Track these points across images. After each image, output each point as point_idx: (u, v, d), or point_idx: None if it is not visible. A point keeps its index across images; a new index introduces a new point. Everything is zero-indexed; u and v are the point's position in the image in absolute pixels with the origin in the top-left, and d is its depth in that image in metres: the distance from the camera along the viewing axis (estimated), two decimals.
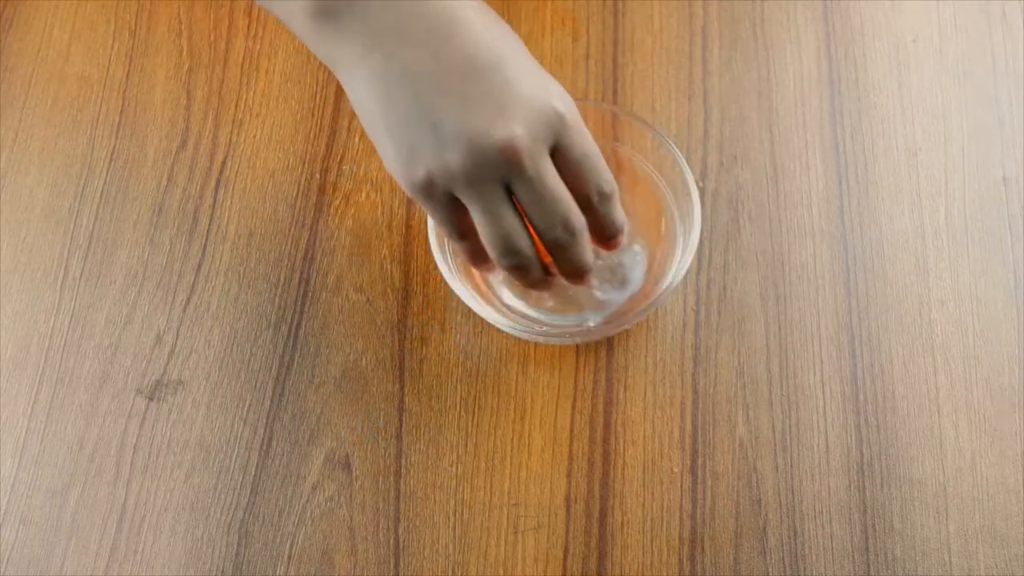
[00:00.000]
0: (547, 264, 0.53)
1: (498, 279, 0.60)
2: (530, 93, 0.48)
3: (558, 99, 0.48)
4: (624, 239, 0.54)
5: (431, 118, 0.47)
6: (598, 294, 0.59)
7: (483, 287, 0.60)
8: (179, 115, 0.67)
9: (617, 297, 0.59)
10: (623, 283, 0.59)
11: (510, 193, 0.49)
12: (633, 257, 0.60)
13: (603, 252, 0.58)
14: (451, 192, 0.48)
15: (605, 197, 0.51)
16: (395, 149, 0.48)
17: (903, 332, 0.60)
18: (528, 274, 0.52)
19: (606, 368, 0.60)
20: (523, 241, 0.50)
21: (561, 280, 0.54)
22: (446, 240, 0.59)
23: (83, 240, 0.64)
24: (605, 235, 0.53)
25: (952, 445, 0.58)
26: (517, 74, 0.48)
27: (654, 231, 0.61)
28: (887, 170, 0.64)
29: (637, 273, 0.60)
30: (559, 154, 0.49)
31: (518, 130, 0.47)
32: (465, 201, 0.48)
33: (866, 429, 0.58)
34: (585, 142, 0.49)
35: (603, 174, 0.50)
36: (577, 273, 0.52)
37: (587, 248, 0.51)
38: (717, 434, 0.59)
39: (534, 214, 0.49)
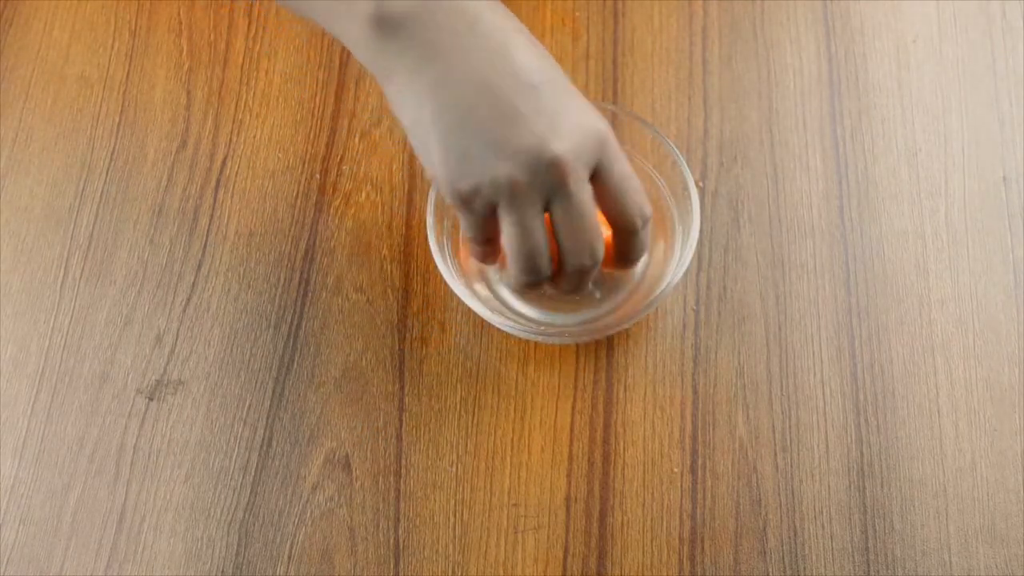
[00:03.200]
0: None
1: (495, 276, 0.60)
2: (577, 114, 0.49)
3: (602, 123, 0.50)
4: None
5: (485, 129, 0.48)
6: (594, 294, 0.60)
7: (482, 287, 0.60)
8: (179, 115, 0.67)
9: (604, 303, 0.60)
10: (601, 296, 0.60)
11: (544, 212, 0.50)
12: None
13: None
14: (492, 203, 0.49)
15: (646, 222, 0.52)
16: (445, 157, 0.48)
17: (903, 332, 0.60)
18: (534, 289, 0.53)
19: (606, 368, 0.60)
20: (545, 262, 0.51)
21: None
22: (447, 239, 0.59)
23: (83, 240, 0.64)
24: (629, 259, 0.54)
25: (952, 445, 0.58)
26: (566, 96, 0.49)
27: (654, 231, 0.61)
28: (887, 170, 0.64)
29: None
30: (600, 176, 0.50)
31: (568, 147, 0.48)
32: (503, 212, 0.49)
33: (866, 429, 0.58)
34: (625, 166, 0.51)
35: (644, 198, 0.52)
36: (573, 293, 0.53)
37: (594, 280, 0.53)
38: (717, 434, 0.59)
39: (566, 236, 0.50)
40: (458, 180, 0.48)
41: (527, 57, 0.49)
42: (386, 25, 0.48)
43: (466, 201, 0.49)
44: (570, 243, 0.50)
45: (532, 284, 0.52)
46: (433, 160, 0.49)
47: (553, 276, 0.52)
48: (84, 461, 0.59)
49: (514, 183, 0.48)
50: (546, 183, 0.48)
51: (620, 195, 0.51)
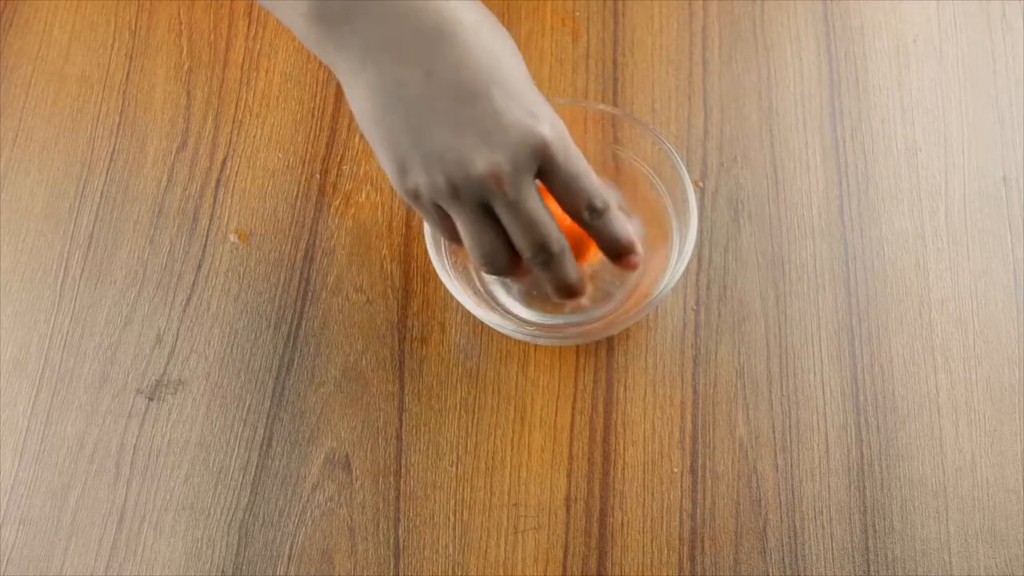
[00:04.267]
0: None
1: (492, 277, 0.60)
2: (517, 120, 0.48)
3: (545, 125, 0.48)
4: (638, 259, 0.53)
5: (419, 139, 0.48)
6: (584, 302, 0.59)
7: (480, 289, 0.60)
8: (179, 115, 0.67)
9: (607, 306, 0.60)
10: (605, 296, 0.60)
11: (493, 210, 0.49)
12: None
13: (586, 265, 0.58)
14: (436, 203, 0.49)
15: (596, 213, 0.51)
16: (387, 159, 0.49)
17: (903, 332, 0.60)
18: (508, 278, 0.53)
19: (606, 368, 0.60)
20: (502, 254, 0.50)
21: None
22: (446, 242, 0.59)
23: (83, 240, 0.64)
24: (613, 252, 0.53)
25: (952, 445, 0.58)
26: (506, 99, 0.48)
27: (653, 232, 0.61)
28: (887, 170, 0.64)
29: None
30: (547, 177, 0.49)
31: (501, 158, 0.47)
32: (449, 212, 0.50)
33: (866, 429, 0.58)
34: (571, 164, 0.49)
35: (592, 192, 0.50)
36: (563, 289, 0.52)
37: (570, 267, 0.52)
38: (717, 434, 0.59)
39: (514, 235, 0.50)
40: (401, 182, 0.49)
41: (469, 57, 0.48)
42: (324, 19, 0.48)
43: (414, 200, 0.50)
44: (519, 242, 0.50)
45: (499, 275, 0.52)
46: (380, 159, 0.50)
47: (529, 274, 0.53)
48: (84, 461, 0.59)
49: (450, 191, 0.48)
50: (480, 192, 0.48)
51: (564, 193, 0.50)
